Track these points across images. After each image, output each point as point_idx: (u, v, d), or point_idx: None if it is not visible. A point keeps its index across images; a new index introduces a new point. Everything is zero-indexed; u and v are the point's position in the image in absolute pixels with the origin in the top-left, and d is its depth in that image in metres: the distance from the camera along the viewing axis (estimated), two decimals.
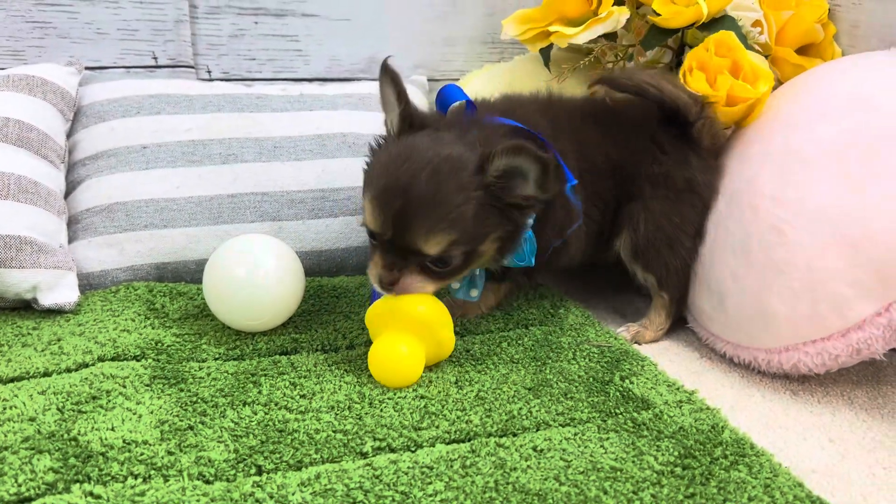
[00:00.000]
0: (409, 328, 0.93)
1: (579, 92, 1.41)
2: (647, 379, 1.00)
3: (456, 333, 1.04)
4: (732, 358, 1.10)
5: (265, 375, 0.95)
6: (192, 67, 1.45)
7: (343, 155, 1.30)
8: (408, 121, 0.97)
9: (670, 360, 1.13)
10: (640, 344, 1.17)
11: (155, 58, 1.42)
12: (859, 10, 1.28)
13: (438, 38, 1.59)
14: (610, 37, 1.26)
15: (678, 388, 0.98)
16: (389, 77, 0.98)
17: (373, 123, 1.34)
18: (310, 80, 1.50)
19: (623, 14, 1.22)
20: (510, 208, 0.93)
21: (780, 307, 1.00)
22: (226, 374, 0.95)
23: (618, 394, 0.96)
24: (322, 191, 1.26)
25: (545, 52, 1.35)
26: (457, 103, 1.04)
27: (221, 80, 1.47)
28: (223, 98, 1.31)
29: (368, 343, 1.06)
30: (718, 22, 1.20)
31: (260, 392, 0.91)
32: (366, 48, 1.54)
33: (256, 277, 1.02)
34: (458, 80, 1.58)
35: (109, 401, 0.86)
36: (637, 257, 1.17)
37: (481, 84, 1.51)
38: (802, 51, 1.33)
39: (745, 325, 1.06)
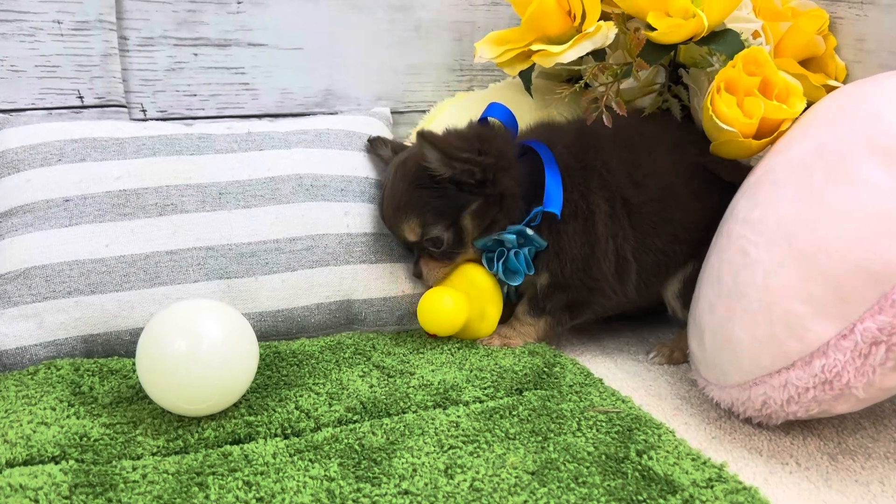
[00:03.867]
0: (463, 287, 1.13)
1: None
2: (668, 452, 0.86)
3: (437, 405, 0.95)
4: (719, 402, 1.01)
5: (213, 474, 0.80)
6: (123, 107, 1.30)
7: (299, 199, 1.16)
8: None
9: (685, 424, 1.00)
10: (674, 364, 1.18)
11: (80, 97, 1.27)
12: (864, 23, 1.18)
13: (401, 66, 1.47)
14: (598, 55, 1.15)
15: (705, 463, 0.85)
16: (376, 145, 1.26)
17: (332, 162, 1.21)
18: (259, 117, 1.36)
19: (611, 29, 1.11)
20: (460, 186, 1.08)
21: (741, 333, 0.93)
22: (165, 476, 0.79)
23: (637, 474, 0.82)
24: (276, 241, 1.13)
25: (526, 75, 1.23)
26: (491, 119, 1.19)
27: (158, 119, 1.32)
28: (158, 140, 1.17)
29: (336, 423, 0.92)
30: (719, 35, 1.09)
31: (207, 497, 0.76)
32: (321, 79, 1.41)
33: (200, 351, 0.88)
34: (425, 111, 1.47)
35: None
36: (683, 294, 1.18)
37: (453, 115, 1.39)
38: (802, 66, 1.22)
39: (718, 360, 0.98)
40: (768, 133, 1.12)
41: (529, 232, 1.10)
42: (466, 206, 1.09)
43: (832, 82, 1.19)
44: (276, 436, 0.89)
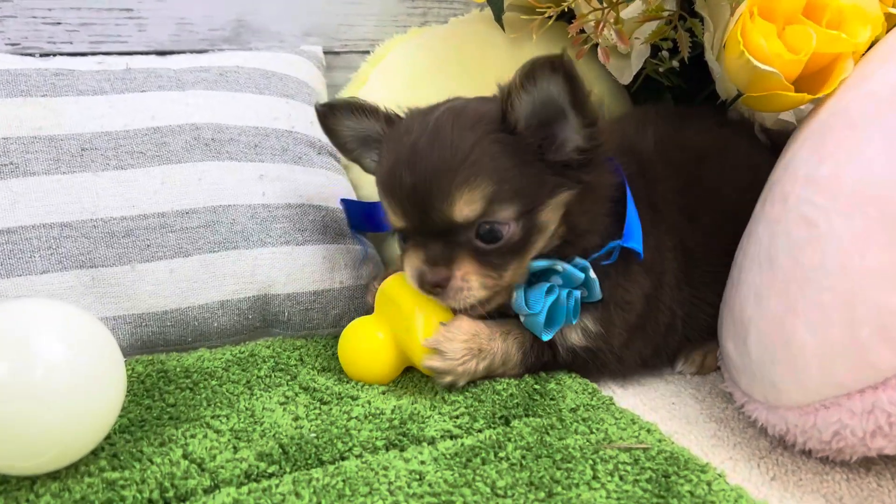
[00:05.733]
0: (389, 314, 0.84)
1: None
2: None
3: (391, 445, 0.72)
4: (766, 426, 0.79)
5: None
6: None
7: (195, 158, 0.93)
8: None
9: (731, 460, 0.78)
10: (707, 373, 0.95)
11: None
12: None
13: None
14: None
15: None
16: (342, 111, 0.89)
17: (243, 109, 0.98)
18: (146, 54, 1.09)
19: None
20: (550, 163, 0.79)
21: (806, 336, 0.73)
22: None
23: None
24: (162, 216, 0.90)
25: (497, 2, 0.97)
26: None
27: (7, 53, 1.03)
28: None
29: (242, 478, 0.66)
30: None
31: None
32: (230, 7, 1.18)
33: (30, 378, 0.62)
34: (367, 52, 1.24)
35: None
36: None
37: (404, 57, 1.18)
38: None
39: (769, 371, 0.78)
40: (817, 77, 0.91)
41: (593, 275, 0.82)
42: (555, 191, 0.79)
43: None
44: (150, 502, 0.62)
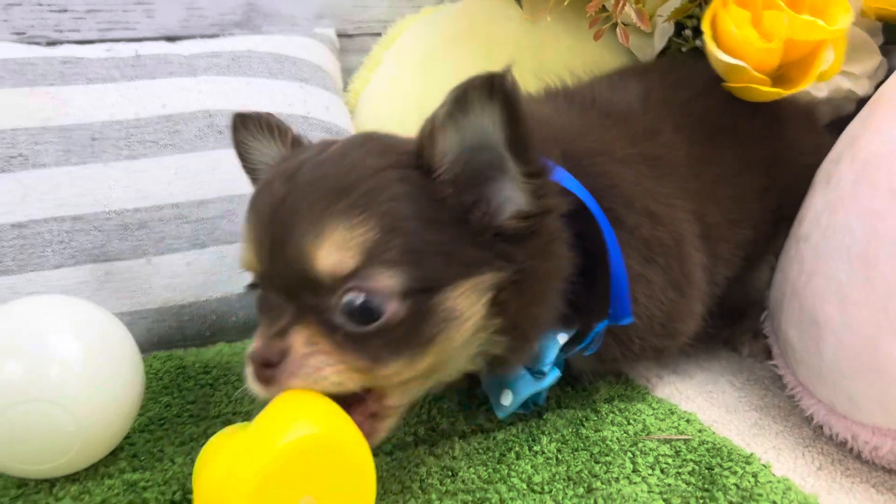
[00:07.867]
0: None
1: (566, 39, 1.03)
2: (775, 501, 0.60)
3: (419, 441, 0.70)
4: (823, 426, 0.75)
5: None
6: None
7: (209, 146, 0.92)
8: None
9: (775, 449, 0.75)
10: (762, 361, 0.90)
11: None
12: None
13: None
14: None
15: None
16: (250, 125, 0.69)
17: (256, 95, 0.95)
18: (155, 41, 1.06)
19: None
20: (492, 238, 0.59)
21: None
22: None
23: None
24: (177, 206, 0.89)
25: None
26: None
27: (14, 42, 1.01)
28: (3, 65, 0.91)
29: None
30: None
31: None
32: None
33: (46, 378, 0.60)
34: (380, 33, 1.21)
35: None
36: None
37: (417, 37, 1.15)
38: None
39: (845, 380, 0.72)
40: (797, 68, 0.87)
41: (555, 353, 0.68)
42: (475, 269, 0.58)
43: None
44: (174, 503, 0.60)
